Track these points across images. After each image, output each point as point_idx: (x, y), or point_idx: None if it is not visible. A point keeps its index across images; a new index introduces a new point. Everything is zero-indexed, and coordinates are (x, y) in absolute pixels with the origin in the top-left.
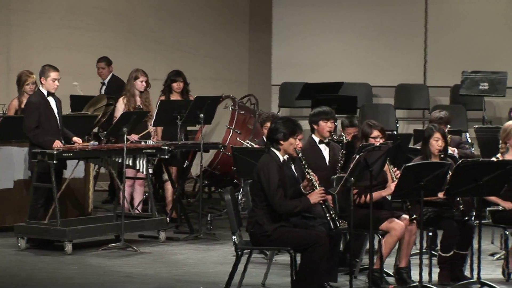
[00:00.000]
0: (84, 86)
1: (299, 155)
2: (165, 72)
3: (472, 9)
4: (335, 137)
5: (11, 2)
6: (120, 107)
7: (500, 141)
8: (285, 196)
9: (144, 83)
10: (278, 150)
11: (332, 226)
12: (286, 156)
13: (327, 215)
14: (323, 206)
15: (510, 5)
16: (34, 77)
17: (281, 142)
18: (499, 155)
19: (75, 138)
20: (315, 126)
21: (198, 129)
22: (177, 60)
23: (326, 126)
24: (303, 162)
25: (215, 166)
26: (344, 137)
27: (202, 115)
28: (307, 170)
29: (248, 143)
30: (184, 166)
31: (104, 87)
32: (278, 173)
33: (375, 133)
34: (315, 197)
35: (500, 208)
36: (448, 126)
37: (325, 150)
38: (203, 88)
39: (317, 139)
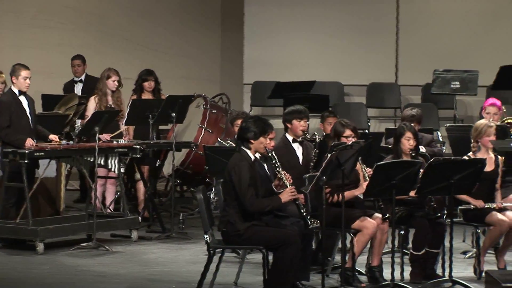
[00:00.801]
0: (56, 85)
1: (270, 154)
2: (136, 71)
3: (443, 8)
4: (308, 136)
5: None
6: (92, 106)
7: (472, 140)
8: (256, 195)
9: (116, 83)
10: (249, 149)
11: (305, 225)
12: (258, 155)
13: (301, 213)
14: (297, 203)
15: (482, 4)
16: (3, 76)
17: (252, 141)
18: (470, 154)
19: (51, 136)
20: (288, 125)
21: (170, 128)
22: (149, 59)
23: (299, 125)
24: (274, 161)
25: (187, 165)
26: (316, 135)
27: (174, 114)
28: (278, 169)
29: (227, 142)
30: (156, 165)
31: (79, 85)
32: (249, 172)
33: (348, 132)
34: (286, 196)
35: (472, 206)
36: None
37: (298, 149)
38: (175, 87)
39: (290, 138)
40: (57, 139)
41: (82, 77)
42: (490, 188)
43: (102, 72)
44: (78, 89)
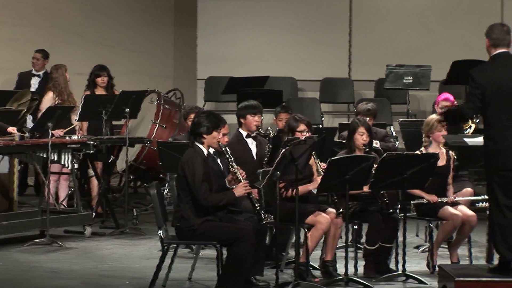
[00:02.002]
0: (8, 80)
1: (223, 149)
2: (89, 66)
3: (396, 4)
4: (262, 131)
5: None
6: (50, 101)
7: (423, 135)
8: (210, 190)
9: (68, 75)
10: (202, 143)
11: (259, 220)
12: (212, 150)
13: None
14: (250, 198)
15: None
16: None
17: (205, 136)
18: (422, 149)
19: (10, 129)
20: (242, 120)
21: (124, 123)
22: (102, 54)
23: (253, 120)
24: (227, 156)
25: (141, 160)
26: (270, 130)
27: (127, 109)
28: (231, 164)
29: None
30: (110, 161)
31: (36, 80)
32: (202, 167)
33: (302, 127)
34: (239, 190)
35: (425, 201)
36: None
37: (252, 144)
38: (128, 82)
39: (244, 133)
40: (16, 131)
41: (41, 73)
42: (442, 183)
43: (53, 68)
44: (34, 82)
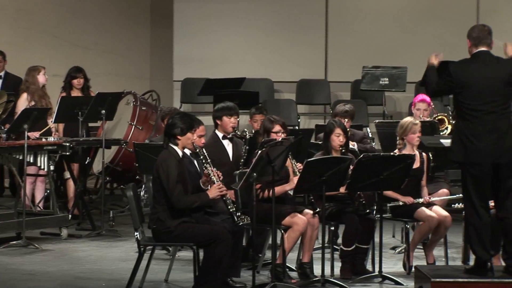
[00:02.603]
0: None
1: (198, 150)
2: (65, 68)
3: (372, 5)
4: (238, 133)
5: None
6: (24, 103)
7: (398, 137)
8: (185, 192)
9: (46, 76)
10: (176, 145)
11: (233, 221)
12: (188, 151)
13: (228, 210)
14: (224, 200)
15: (410, 0)
16: None
17: (179, 137)
18: (396, 151)
19: None
20: (218, 122)
21: (100, 125)
22: (78, 56)
23: (229, 121)
24: (201, 157)
25: (117, 162)
26: (247, 132)
27: (104, 111)
28: (205, 165)
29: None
30: (86, 162)
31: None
32: (177, 168)
33: (277, 127)
34: (213, 192)
35: (400, 203)
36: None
37: (228, 145)
38: (104, 84)
39: (220, 134)
40: None
41: (2, 74)
42: (417, 185)
43: (27, 70)
44: None
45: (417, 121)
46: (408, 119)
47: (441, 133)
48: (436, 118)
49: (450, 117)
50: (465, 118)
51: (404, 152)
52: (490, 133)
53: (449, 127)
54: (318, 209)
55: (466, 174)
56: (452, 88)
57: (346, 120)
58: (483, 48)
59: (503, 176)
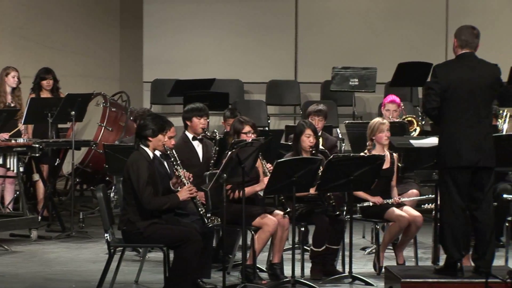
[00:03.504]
0: None
1: (169, 152)
2: (34, 69)
3: (342, 5)
4: (208, 134)
5: None
6: None
7: (367, 138)
8: (156, 193)
9: (16, 79)
10: (147, 146)
11: (203, 223)
12: (159, 153)
13: (198, 211)
14: (194, 201)
15: (379, 1)
16: None
17: (150, 138)
18: (366, 152)
19: None
20: (188, 123)
21: (69, 126)
22: (47, 57)
23: (199, 122)
24: (172, 159)
25: (87, 163)
26: (216, 133)
27: (73, 112)
28: (176, 167)
29: None
30: (56, 164)
31: None
32: (147, 170)
33: (247, 128)
34: (184, 193)
35: (370, 204)
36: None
37: (198, 146)
38: (73, 85)
39: (190, 135)
40: None
41: None
42: (386, 185)
43: None
44: None
45: (385, 121)
46: (376, 119)
47: (411, 134)
48: (406, 119)
49: (420, 118)
50: (449, 121)
51: (374, 152)
52: (472, 136)
53: (418, 128)
54: (288, 210)
55: (447, 175)
56: (441, 89)
57: (319, 119)
58: (468, 50)
59: (482, 179)
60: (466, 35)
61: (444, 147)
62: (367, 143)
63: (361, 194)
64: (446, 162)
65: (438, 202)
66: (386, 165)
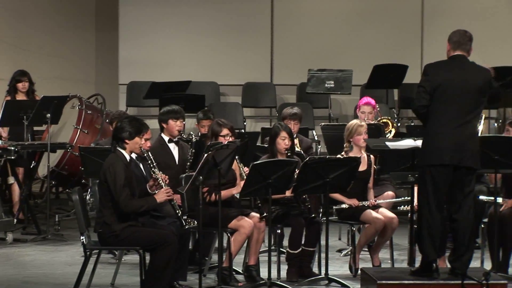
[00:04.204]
0: None
1: (145, 154)
2: (9, 72)
3: (318, 7)
4: (184, 136)
5: None
6: None
7: (345, 140)
8: (132, 196)
9: None
10: (124, 149)
11: (180, 225)
12: (134, 155)
13: (176, 213)
14: (171, 204)
15: (355, 3)
16: None
17: (127, 141)
18: (343, 153)
19: None
20: (164, 125)
21: (45, 129)
22: (22, 59)
23: (175, 125)
24: (149, 162)
25: (63, 166)
26: (193, 135)
27: (49, 115)
28: (153, 169)
29: None
30: (31, 166)
31: None
32: (124, 172)
33: (225, 131)
34: (161, 196)
35: (346, 206)
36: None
37: (174, 149)
38: (49, 88)
39: (166, 138)
40: None
41: None
42: (363, 187)
43: None
44: None
45: (363, 123)
46: (354, 121)
47: (386, 136)
48: (381, 121)
49: (395, 120)
50: (435, 120)
51: (352, 154)
52: (456, 136)
53: (393, 130)
54: (264, 214)
55: (428, 173)
56: (431, 88)
57: (294, 122)
58: (460, 53)
59: (463, 180)
60: (458, 37)
61: (427, 145)
62: (345, 145)
63: (337, 196)
64: (428, 160)
65: (414, 204)
66: (363, 167)
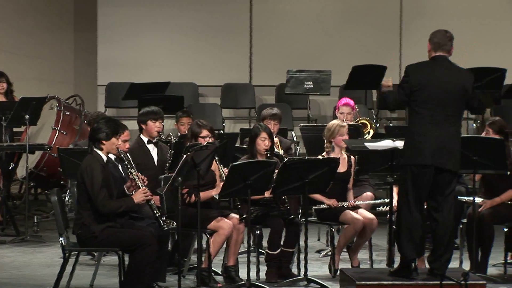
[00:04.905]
0: None
1: (122, 155)
2: None
3: (296, 9)
4: (163, 137)
5: None
6: None
7: (325, 140)
8: (110, 197)
9: None
10: (101, 150)
11: (159, 226)
12: (113, 156)
13: (154, 214)
14: (149, 204)
15: (334, 4)
16: None
17: (104, 142)
18: (324, 154)
19: None
20: (143, 126)
21: (24, 130)
22: (0, 60)
23: (154, 126)
24: (126, 163)
25: (41, 167)
26: (172, 136)
27: (27, 116)
28: (130, 170)
29: None
30: (10, 168)
31: None
32: (101, 173)
33: (204, 132)
34: (139, 196)
35: (325, 206)
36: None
37: (153, 150)
38: (27, 89)
39: (145, 139)
40: None
41: None
42: (343, 188)
43: None
44: None
45: (344, 124)
46: (335, 121)
47: (364, 137)
48: (360, 122)
49: (374, 121)
50: (416, 120)
51: (332, 155)
52: (438, 137)
53: (371, 131)
54: (244, 215)
55: (409, 175)
56: (410, 88)
57: (274, 123)
58: (442, 53)
59: (444, 181)
60: (439, 37)
61: (409, 145)
62: (325, 145)
63: (316, 196)
64: (410, 160)
65: (394, 205)
66: (343, 168)
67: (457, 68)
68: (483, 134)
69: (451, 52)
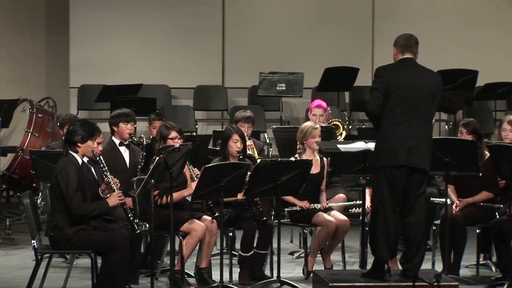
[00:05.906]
0: None
1: (98, 158)
2: None
3: (269, 10)
4: (135, 139)
5: None
6: None
7: (298, 142)
8: (84, 199)
9: None
10: (76, 152)
11: (132, 229)
12: (86, 159)
13: (128, 217)
14: (124, 207)
15: (306, 6)
16: None
17: (79, 144)
18: (296, 156)
19: None
20: (115, 128)
21: None
22: None
23: (126, 128)
24: (101, 165)
25: (14, 170)
26: (144, 138)
27: None
28: (105, 173)
29: None
30: None
31: None
32: (76, 176)
33: (173, 134)
34: (113, 200)
35: (298, 208)
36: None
37: (125, 152)
38: None
39: (117, 141)
40: None
41: None
42: (316, 189)
43: None
44: None
45: (317, 126)
46: (308, 123)
47: (337, 138)
48: (332, 124)
49: (346, 123)
50: (389, 122)
51: (304, 156)
52: (411, 138)
53: (344, 132)
54: (216, 214)
55: (383, 177)
56: (385, 89)
57: (248, 125)
58: (409, 56)
59: (416, 182)
60: (404, 40)
61: (382, 146)
62: (298, 147)
63: (289, 198)
64: (383, 161)
65: (366, 206)
66: (316, 170)
67: (425, 70)
68: (458, 135)
69: (416, 55)
